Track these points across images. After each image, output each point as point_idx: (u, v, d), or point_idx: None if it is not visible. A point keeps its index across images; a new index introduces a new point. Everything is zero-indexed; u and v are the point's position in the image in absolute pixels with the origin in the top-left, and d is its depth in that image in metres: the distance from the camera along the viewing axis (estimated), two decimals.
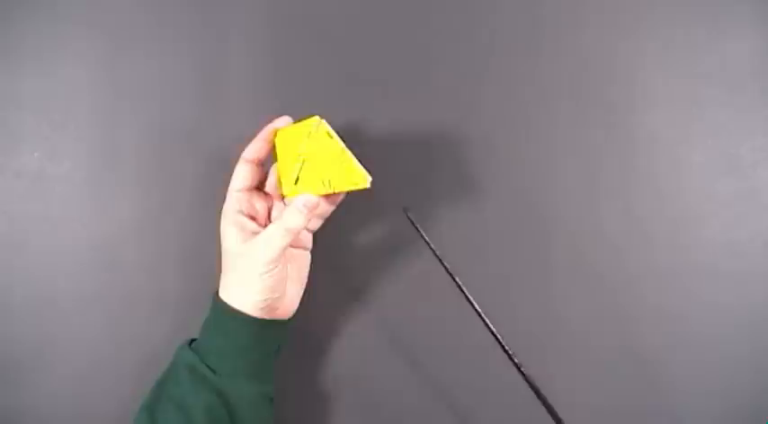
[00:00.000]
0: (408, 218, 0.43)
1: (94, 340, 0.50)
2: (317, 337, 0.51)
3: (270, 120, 0.45)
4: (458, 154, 0.52)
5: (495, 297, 0.51)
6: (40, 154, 0.51)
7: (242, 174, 0.44)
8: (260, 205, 0.45)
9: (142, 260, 0.51)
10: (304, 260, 0.46)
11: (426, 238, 0.42)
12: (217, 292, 0.43)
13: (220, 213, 0.44)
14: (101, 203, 0.51)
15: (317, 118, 0.42)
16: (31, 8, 0.52)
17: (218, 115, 0.52)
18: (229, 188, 0.44)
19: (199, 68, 0.52)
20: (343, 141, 0.42)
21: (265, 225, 0.43)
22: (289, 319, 0.45)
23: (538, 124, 0.52)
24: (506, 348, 0.40)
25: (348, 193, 0.44)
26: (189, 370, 0.41)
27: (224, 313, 0.42)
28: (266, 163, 0.46)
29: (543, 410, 0.39)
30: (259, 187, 0.46)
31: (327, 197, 0.44)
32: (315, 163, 0.42)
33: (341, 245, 0.51)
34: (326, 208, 0.45)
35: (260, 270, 0.41)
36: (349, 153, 0.41)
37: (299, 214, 0.41)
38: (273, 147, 0.45)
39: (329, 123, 0.42)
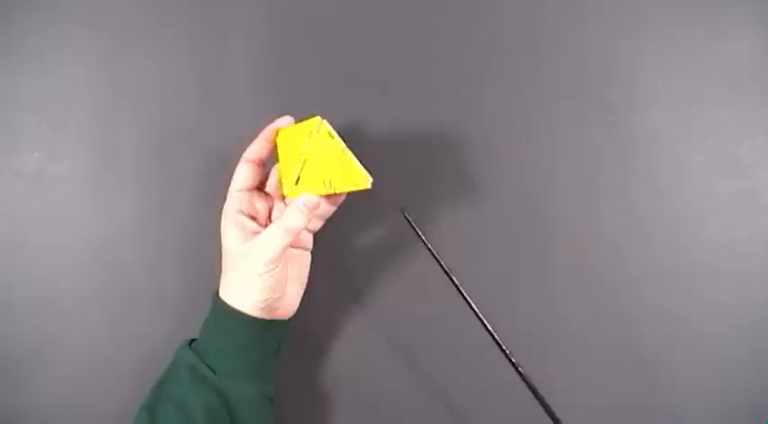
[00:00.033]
0: (406, 218, 0.43)
1: (94, 340, 0.50)
2: (316, 337, 0.51)
3: (271, 120, 0.45)
4: (458, 154, 0.52)
5: (495, 297, 0.51)
6: (40, 154, 0.51)
7: (243, 174, 0.44)
8: (260, 205, 0.45)
9: (142, 260, 0.51)
10: (304, 260, 0.46)
11: (424, 238, 0.42)
12: (217, 292, 0.43)
13: (220, 213, 0.44)
14: (101, 203, 0.51)
15: (318, 118, 0.42)
16: (31, 8, 0.52)
17: (218, 115, 0.52)
18: (230, 188, 0.44)
19: (199, 68, 0.52)
20: (344, 141, 0.42)
21: (266, 226, 0.43)
22: (289, 319, 0.45)
23: (538, 124, 0.52)
24: (503, 347, 0.40)
25: (348, 194, 0.44)
26: (189, 370, 0.41)
27: (224, 313, 0.42)
28: (267, 163, 0.46)
29: (542, 409, 0.39)
30: (260, 187, 0.46)
31: (329, 197, 0.44)
32: (316, 164, 0.42)
33: (341, 245, 0.51)
34: (327, 209, 0.45)
35: (260, 270, 0.41)
36: (350, 153, 0.41)
37: (300, 214, 0.41)
38: (275, 148, 0.45)
39: (329, 123, 0.42)
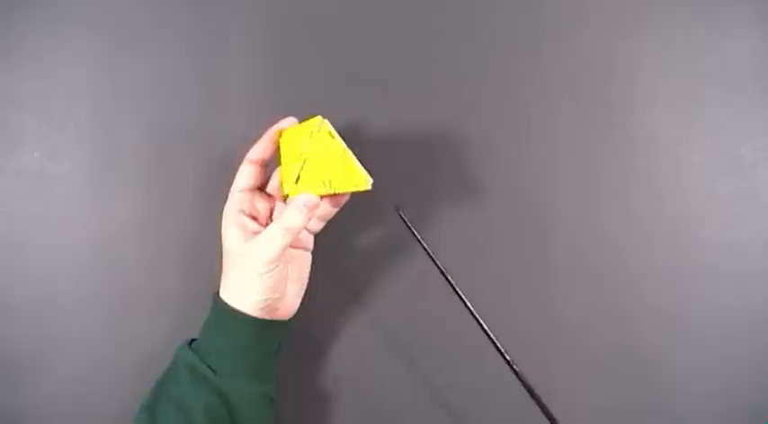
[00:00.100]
0: (401, 217, 0.43)
1: (94, 340, 0.50)
2: (316, 337, 0.51)
3: (274, 121, 0.45)
4: (458, 154, 0.52)
5: (496, 297, 0.51)
6: (40, 154, 0.51)
7: (245, 174, 0.44)
8: (262, 205, 0.45)
9: (142, 261, 0.51)
10: (305, 261, 0.46)
11: (418, 236, 0.42)
12: (217, 292, 0.43)
13: (221, 213, 0.44)
14: (101, 203, 0.51)
15: (319, 118, 0.42)
16: (31, 8, 0.51)
17: (218, 115, 0.52)
18: (232, 187, 0.44)
19: (199, 68, 0.52)
20: (344, 141, 0.42)
21: (266, 226, 0.43)
22: (289, 319, 0.45)
23: (538, 124, 0.52)
24: (499, 346, 0.40)
25: (349, 195, 0.45)
26: (189, 370, 0.41)
27: (224, 314, 0.42)
28: (270, 164, 0.46)
29: (540, 409, 0.39)
30: (261, 188, 0.46)
31: (330, 199, 0.44)
32: (316, 163, 0.42)
33: (340, 246, 0.51)
34: (329, 210, 0.45)
35: (260, 270, 0.41)
36: (350, 154, 0.42)
37: (300, 213, 0.41)
38: (277, 149, 0.45)
39: (330, 123, 0.42)
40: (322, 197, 0.43)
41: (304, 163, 0.42)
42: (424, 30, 0.52)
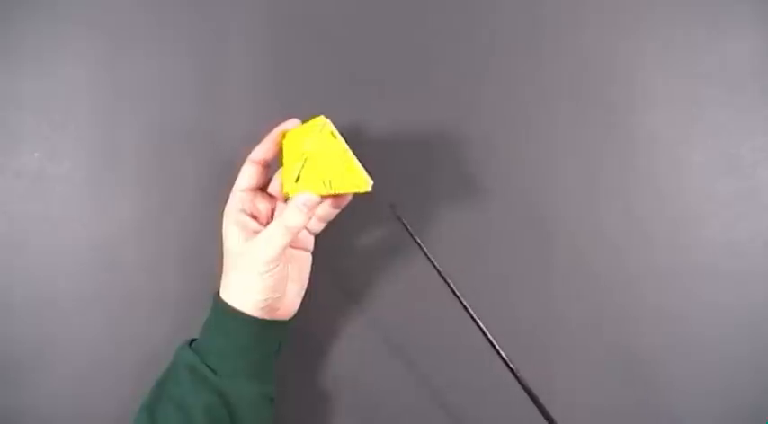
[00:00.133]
0: (396, 215, 0.43)
1: (94, 340, 0.50)
2: (316, 337, 0.51)
3: (276, 122, 0.45)
4: (458, 154, 0.52)
5: (496, 297, 0.51)
6: (40, 154, 0.51)
7: (247, 174, 0.44)
8: (263, 205, 0.45)
9: (142, 261, 0.51)
10: (305, 261, 0.46)
11: (414, 235, 0.42)
12: (217, 292, 0.43)
13: (221, 213, 0.44)
14: (101, 203, 0.51)
15: (322, 117, 0.42)
16: (31, 8, 0.51)
17: (218, 115, 0.52)
18: (234, 187, 0.44)
19: (199, 68, 0.52)
20: (346, 142, 0.42)
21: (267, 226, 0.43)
22: (289, 319, 0.45)
23: (538, 124, 0.52)
24: (495, 344, 0.40)
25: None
26: (189, 370, 0.41)
27: (225, 314, 0.42)
28: (272, 165, 0.46)
29: (539, 409, 0.39)
30: (263, 189, 0.46)
31: (332, 201, 0.44)
32: (317, 163, 0.42)
33: (340, 246, 0.51)
34: (329, 212, 0.45)
35: (261, 269, 0.41)
36: (352, 155, 0.42)
37: (299, 212, 0.41)
38: (280, 150, 0.45)
39: (332, 123, 0.42)
40: (322, 197, 0.43)
41: (305, 162, 0.42)
42: (424, 30, 0.52)
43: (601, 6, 0.52)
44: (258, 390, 0.42)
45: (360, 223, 0.51)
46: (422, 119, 0.52)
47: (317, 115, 0.43)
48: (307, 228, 0.46)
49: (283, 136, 0.45)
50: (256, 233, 0.42)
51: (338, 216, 0.46)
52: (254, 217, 0.44)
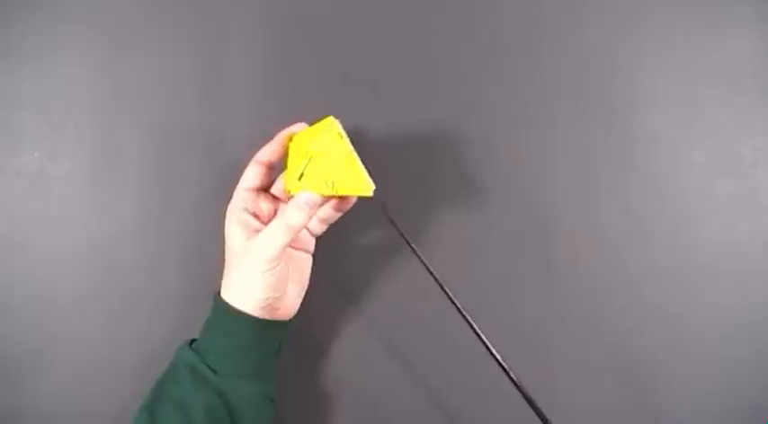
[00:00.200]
0: (386, 215, 0.43)
1: (94, 340, 0.50)
2: (316, 338, 0.51)
3: (281, 124, 0.45)
4: (457, 154, 0.52)
5: (495, 297, 0.51)
6: (40, 154, 0.51)
7: (251, 174, 0.44)
8: (266, 206, 0.45)
9: (142, 260, 0.51)
10: (306, 262, 0.46)
11: (404, 235, 0.42)
12: (218, 292, 0.43)
13: (221, 213, 0.44)
14: (101, 203, 0.51)
15: (331, 118, 0.42)
16: (31, 8, 0.51)
17: (219, 115, 0.52)
18: (237, 186, 0.45)
19: (199, 68, 0.52)
20: (351, 145, 0.42)
21: None
22: (289, 320, 0.45)
23: (538, 124, 0.52)
24: (486, 342, 0.40)
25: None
26: (189, 370, 0.41)
27: (225, 314, 0.42)
28: (277, 167, 0.46)
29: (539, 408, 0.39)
30: (266, 189, 0.46)
31: (335, 204, 0.45)
32: (321, 162, 0.42)
33: (339, 246, 0.51)
34: (331, 214, 0.45)
35: (262, 268, 0.41)
36: (357, 158, 0.42)
37: (301, 211, 0.41)
38: (286, 153, 0.45)
39: (339, 124, 0.42)
40: (324, 197, 0.43)
41: (309, 160, 0.42)
42: (424, 30, 0.52)
43: (601, 6, 0.52)
44: (258, 390, 0.42)
45: (359, 223, 0.51)
46: (421, 120, 0.52)
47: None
48: (308, 229, 0.46)
49: (290, 139, 0.45)
50: (258, 232, 0.42)
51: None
52: (257, 217, 0.44)
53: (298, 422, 0.50)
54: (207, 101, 0.52)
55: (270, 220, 0.45)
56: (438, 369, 0.51)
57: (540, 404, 0.39)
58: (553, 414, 0.39)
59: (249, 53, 0.52)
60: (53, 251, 0.50)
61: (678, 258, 0.51)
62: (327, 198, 0.44)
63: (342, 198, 0.44)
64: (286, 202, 0.46)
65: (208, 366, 0.41)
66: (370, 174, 0.42)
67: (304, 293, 0.46)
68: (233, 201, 0.44)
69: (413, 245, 0.42)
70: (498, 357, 0.40)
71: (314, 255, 0.47)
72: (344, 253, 0.51)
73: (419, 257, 0.42)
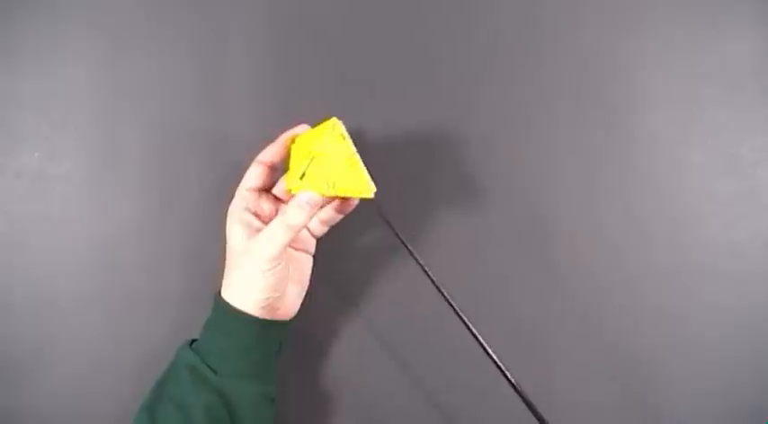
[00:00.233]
0: (381, 215, 0.43)
1: (94, 340, 0.50)
2: (316, 338, 0.51)
3: (284, 125, 0.45)
4: (457, 154, 0.52)
5: (496, 297, 0.51)
6: (40, 154, 0.51)
7: (254, 174, 0.44)
8: (267, 206, 0.45)
9: (142, 260, 0.51)
10: (306, 263, 0.46)
11: (399, 234, 0.42)
12: (219, 292, 0.43)
13: (222, 213, 0.44)
14: (101, 203, 0.51)
15: (334, 118, 0.42)
16: (31, 8, 0.52)
17: (219, 115, 0.52)
18: (239, 187, 0.45)
19: (199, 68, 0.52)
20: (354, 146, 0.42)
21: None
22: (290, 320, 0.45)
23: (538, 124, 0.52)
24: (482, 341, 0.40)
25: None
26: (189, 370, 0.41)
27: (226, 314, 0.42)
28: (279, 168, 0.46)
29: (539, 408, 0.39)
30: (268, 190, 0.46)
31: (336, 206, 0.45)
32: (323, 163, 0.42)
33: (339, 247, 0.51)
34: (333, 216, 0.45)
35: (263, 267, 0.41)
36: (359, 159, 0.42)
37: (301, 210, 0.41)
38: (288, 154, 0.45)
39: (343, 125, 0.42)
40: (325, 198, 0.43)
41: (312, 160, 0.42)
42: (424, 30, 0.52)
43: (601, 6, 0.52)
44: (259, 390, 0.42)
45: (359, 224, 0.51)
46: (421, 120, 0.52)
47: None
48: (309, 230, 0.46)
49: (292, 140, 0.45)
50: (259, 231, 0.42)
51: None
52: (258, 217, 0.44)
53: (298, 422, 0.50)
54: (207, 101, 0.52)
55: (271, 220, 0.45)
56: (437, 369, 0.51)
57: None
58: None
59: (249, 53, 0.52)
60: (53, 251, 0.50)
61: (678, 258, 0.51)
62: (328, 200, 0.44)
63: (343, 200, 0.44)
64: (287, 203, 0.46)
65: (208, 366, 0.41)
66: (370, 174, 0.42)
67: (304, 293, 0.46)
68: (234, 201, 0.44)
69: (408, 245, 0.42)
70: (494, 357, 0.40)
71: (314, 256, 0.47)
72: (344, 254, 0.51)
73: (414, 257, 0.42)
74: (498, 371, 0.40)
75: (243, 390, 0.41)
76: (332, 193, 0.42)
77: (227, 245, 0.43)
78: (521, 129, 0.52)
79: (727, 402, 0.50)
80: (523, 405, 0.39)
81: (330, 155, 0.42)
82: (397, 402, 0.51)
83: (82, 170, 0.51)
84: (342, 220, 0.46)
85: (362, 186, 0.42)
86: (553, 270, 0.51)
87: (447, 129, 0.52)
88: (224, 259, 0.44)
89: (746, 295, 0.50)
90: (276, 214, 0.46)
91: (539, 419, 0.39)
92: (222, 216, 0.44)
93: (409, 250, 0.42)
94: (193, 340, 0.44)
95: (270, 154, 0.45)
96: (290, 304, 0.45)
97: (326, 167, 0.42)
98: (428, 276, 0.42)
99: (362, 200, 0.44)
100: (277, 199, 0.46)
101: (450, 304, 0.41)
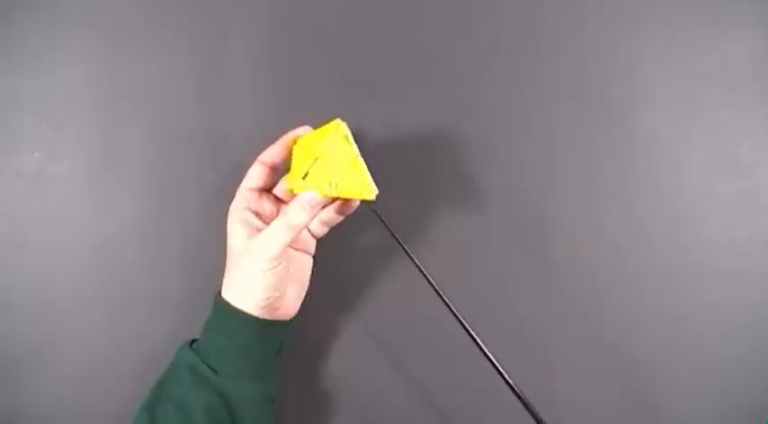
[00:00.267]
0: (377, 214, 0.43)
1: (94, 340, 0.50)
2: (316, 338, 0.51)
3: (287, 127, 0.45)
4: (457, 154, 0.52)
5: (495, 297, 0.51)
6: (40, 154, 0.51)
7: (255, 174, 0.45)
8: (268, 206, 0.45)
9: (142, 260, 0.51)
10: (306, 263, 0.46)
11: (394, 233, 0.42)
12: (219, 292, 0.43)
13: (222, 213, 0.44)
14: (101, 203, 0.51)
15: (338, 120, 0.43)
16: (31, 8, 0.52)
17: (219, 115, 0.52)
18: (240, 186, 0.45)
19: (199, 68, 0.52)
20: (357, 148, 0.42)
21: None
22: (290, 320, 0.45)
23: (538, 124, 0.52)
24: (479, 341, 0.40)
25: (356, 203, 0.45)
26: (189, 370, 0.41)
27: (226, 314, 0.42)
28: (280, 168, 0.46)
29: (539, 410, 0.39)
30: (269, 190, 0.46)
31: (337, 208, 0.45)
32: (326, 164, 0.42)
33: (338, 247, 0.51)
34: (334, 217, 0.46)
35: (264, 267, 0.41)
36: (362, 161, 0.42)
37: (303, 210, 0.41)
38: (289, 155, 0.45)
39: (347, 127, 0.42)
40: (326, 198, 0.43)
41: (315, 160, 0.42)
42: (424, 30, 0.52)
43: (601, 6, 0.52)
44: (259, 390, 0.42)
45: (358, 225, 0.51)
46: (421, 120, 0.52)
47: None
48: (309, 231, 0.46)
49: (294, 142, 0.45)
50: (260, 231, 0.42)
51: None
52: (259, 216, 0.45)
53: (297, 422, 0.50)
54: (207, 101, 0.52)
55: (272, 220, 0.45)
56: (436, 370, 0.51)
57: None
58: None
59: (249, 53, 0.52)
60: (53, 251, 0.50)
61: (678, 258, 0.51)
62: (330, 200, 0.44)
63: (344, 202, 0.44)
64: (288, 203, 0.46)
65: (208, 366, 0.41)
66: (371, 174, 0.42)
67: (304, 294, 0.46)
68: (235, 201, 0.44)
69: (404, 245, 0.42)
70: (490, 356, 0.40)
71: (314, 257, 0.47)
72: (343, 255, 0.51)
73: (410, 256, 0.42)
74: (496, 372, 0.40)
75: (243, 390, 0.41)
76: (333, 194, 0.42)
77: (228, 245, 0.43)
78: (521, 129, 0.52)
79: (727, 402, 0.50)
80: (522, 406, 0.39)
81: (333, 156, 0.42)
82: (397, 403, 0.51)
83: (82, 170, 0.51)
84: (341, 221, 0.46)
85: (364, 188, 0.42)
86: (553, 270, 0.51)
87: (447, 129, 0.52)
88: (224, 259, 0.44)
89: (746, 295, 0.50)
90: (277, 214, 0.46)
91: (536, 420, 0.39)
92: (222, 216, 0.44)
93: (405, 249, 0.42)
94: (193, 340, 0.44)
95: (271, 154, 0.45)
96: (291, 305, 0.45)
97: (329, 168, 0.42)
98: (423, 275, 0.42)
99: (362, 201, 0.44)
100: (278, 200, 0.46)
101: (445, 302, 0.41)
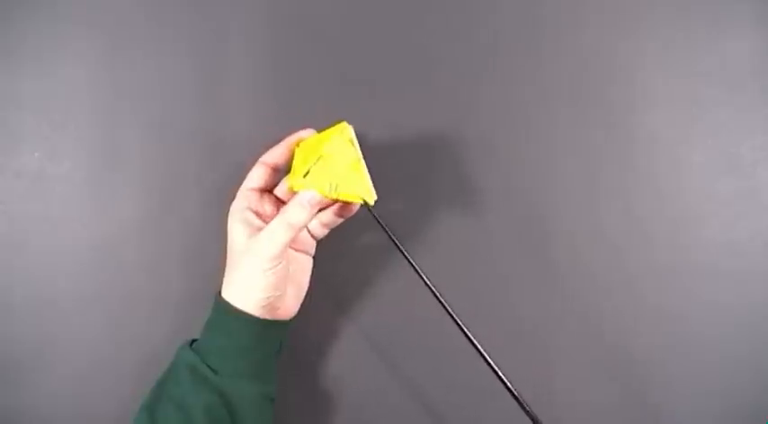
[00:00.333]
0: (374, 216, 0.43)
1: (94, 340, 0.50)
2: (316, 339, 0.51)
3: (288, 128, 0.45)
4: (457, 154, 0.52)
5: (495, 297, 0.51)
6: (40, 154, 0.51)
7: (256, 175, 0.45)
8: (269, 207, 0.45)
9: (142, 260, 0.51)
10: (306, 264, 0.46)
11: (389, 231, 0.42)
12: (219, 292, 0.43)
13: (222, 212, 0.44)
14: (101, 203, 0.51)
15: (344, 123, 0.43)
16: (31, 8, 0.51)
17: (219, 115, 0.52)
18: (241, 186, 0.45)
19: (199, 68, 0.52)
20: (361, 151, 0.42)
21: None
22: (290, 320, 0.45)
23: (538, 124, 0.52)
24: (473, 340, 0.40)
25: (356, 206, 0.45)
26: (190, 370, 0.41)
27: (227, 314, 0.42)
28: (282, 170, 0.46)
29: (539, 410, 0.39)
30: (270, 191, 0.46)
31: (338, 210, 0.45)
32: (329, 164, 0.42)
33: (337, 249, 0.51)
34: (334, 220, 0.46)
35: (264, 266, 0.41)
36: (364, 165, 0.42)
37: (302, 209, 0.41)
38: (291, 157, 0.45)
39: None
40: (326, 199, 0.43)
41: (318, 160, 0.42)
42: (424, 30, 0.52)
43: (601, 6, 0.52)
44: (259, 390, 0.42)
45: (357, 226, 0.51)
46: (421, 120, 0.52)
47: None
48: (309, 232, 0.46)
49: (297, 144, 0.45)
50: (260, 230, 0.42)
51: None
52: (259, 216, 0.45)
53: (298, 422, 0.50)
54: (207, 101, 0.52)
55: (271, 220, 0.46)
56: (435, 370, 0.51)
57: (540, 404, 0.39)
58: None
59: (249, 53, 0.52)
60: (53, 251, 0.50)
61: (678, 258, 0.51)
62: (330, 202, 0.44)
63: (344, 205, 0.44)
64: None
65: (208, 366, 0.41)
66: (371, 175, 0.42)
67: (304, 294, 0.46)
68: (236, 200, 0.44)
69: (399, 245, 0.42)
70: (485, 354, 0.40)
71: (314, 258, 0.47)
72: (342, 256, 0.51)
73: (407, 257, 0.42)
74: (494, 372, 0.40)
75: (243, 390, 0.41)
76: (333, 195, 0.42)
77: (228, 244, 0.43)
78: (521, 129, 0.52)
79: (727, 402, 0.50)
80: (536, 403, 0.39)
81: (336, 157, 0.42)
82: (395, 403, 0.51)
83: (82, 170, 0.51)
84: (341, 223, 0.46)
85: (364, 192, 0.42)
86: (553, 270, 0.51)
87: (447, 130, 0.52)
88: (224, 259, 0.44)
89: (746, 295, 0.50)
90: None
91: (532, 419, 0.39)
92: (222, 217, 0.44)
93: (401, 250, 0.42)
94: (194, 340, 0.44)
95: (274, 155, 0.45)
96: (290, 304, 0.45)
97: (331, 169, 0.42)
98: (419, 274, 0.42)
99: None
100: (279, 200, 0.46)
101: (440, 302, 0.41)
